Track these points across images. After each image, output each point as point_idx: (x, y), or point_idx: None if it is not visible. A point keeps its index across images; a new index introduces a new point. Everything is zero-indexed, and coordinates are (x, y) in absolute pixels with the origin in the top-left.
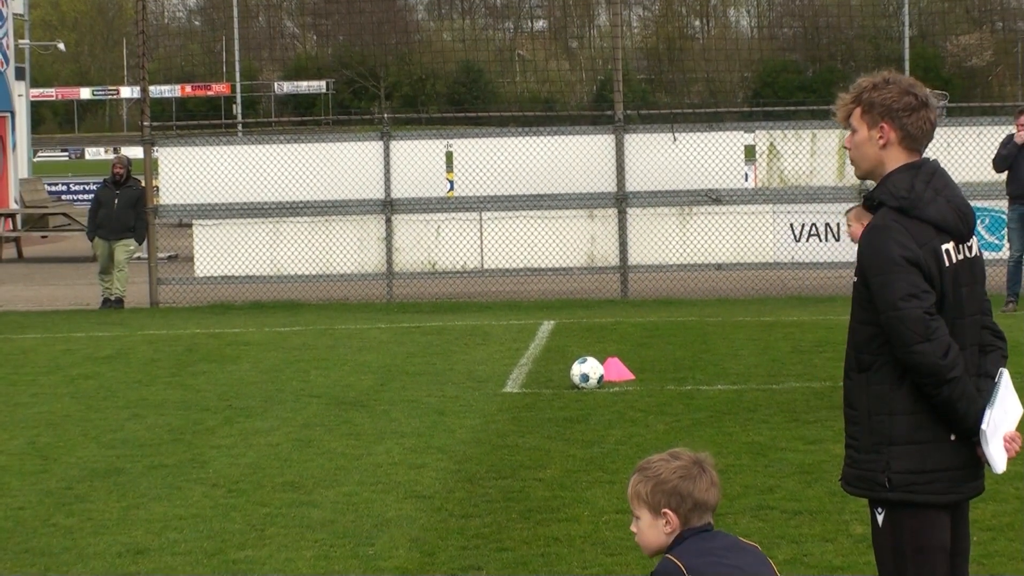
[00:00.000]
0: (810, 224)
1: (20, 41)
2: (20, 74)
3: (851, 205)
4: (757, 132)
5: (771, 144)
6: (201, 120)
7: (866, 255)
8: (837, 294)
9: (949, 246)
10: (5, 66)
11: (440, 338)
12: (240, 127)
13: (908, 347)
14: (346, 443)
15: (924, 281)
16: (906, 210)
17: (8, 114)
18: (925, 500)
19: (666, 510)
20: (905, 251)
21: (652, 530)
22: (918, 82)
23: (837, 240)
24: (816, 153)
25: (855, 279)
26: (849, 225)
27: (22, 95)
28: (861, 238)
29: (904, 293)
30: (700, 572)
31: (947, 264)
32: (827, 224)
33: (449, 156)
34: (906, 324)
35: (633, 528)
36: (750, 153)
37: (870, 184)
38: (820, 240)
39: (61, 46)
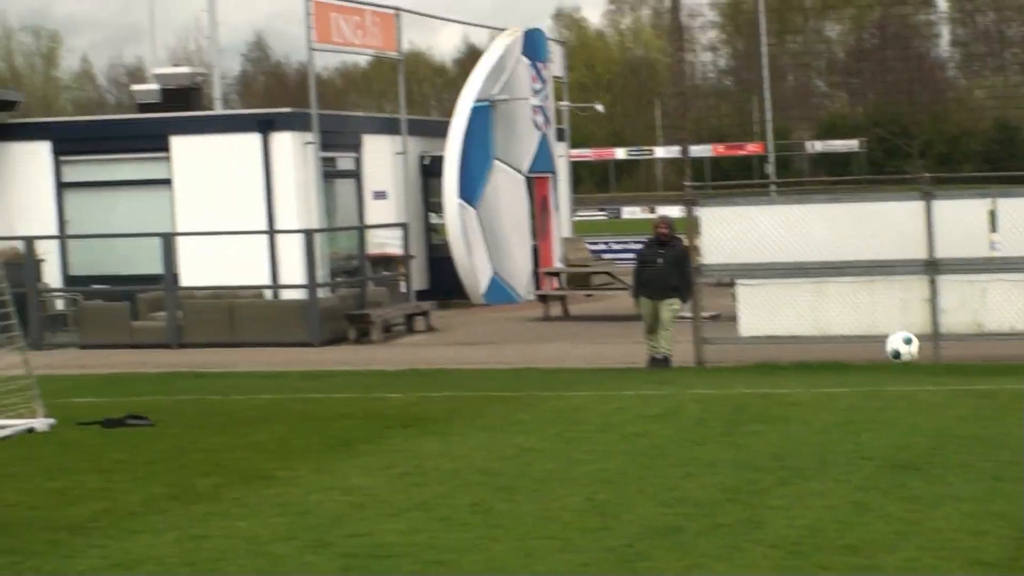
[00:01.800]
0: None
1: (560, 103)
2: (560, 135)
3: None
4: None
5: None
6: (735, 179)
7: None
8: None
9: None
10: (548, 127)
11: (991, 402)
12: (774, 186)
13: None
14: (903, 507)
15: None
16: None
17: (551, 175)
18: None
19: None
20: None
21: None
22: None
23: None
24: None
25: None
26: None
27: (563, 156)
28: None
29: None
30: None
31: None
32: None
33: (991, 215)
34: None
35: None
36: None
37: None
38: None
39: (600, 107)
